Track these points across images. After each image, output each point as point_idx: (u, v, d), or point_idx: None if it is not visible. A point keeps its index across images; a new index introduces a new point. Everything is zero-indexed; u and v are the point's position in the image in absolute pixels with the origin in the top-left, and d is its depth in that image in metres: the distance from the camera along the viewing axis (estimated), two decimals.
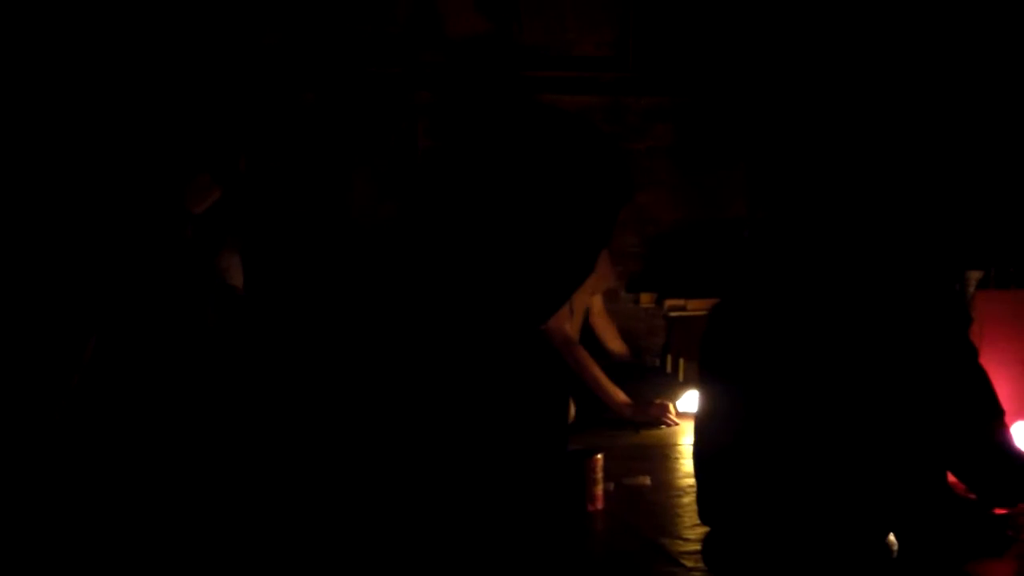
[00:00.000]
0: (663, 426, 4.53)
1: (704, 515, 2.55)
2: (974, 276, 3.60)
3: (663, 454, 4.16)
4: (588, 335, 5.02)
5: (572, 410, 4.56)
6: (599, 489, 3.32)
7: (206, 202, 3.79)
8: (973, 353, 2.42)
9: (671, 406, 4.60)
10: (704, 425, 2.51)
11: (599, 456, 3.34)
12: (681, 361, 5.00)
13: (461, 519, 1.38)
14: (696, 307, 5.40)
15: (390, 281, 1.45)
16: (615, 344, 5.06)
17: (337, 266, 1.40)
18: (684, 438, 4.27)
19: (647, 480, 3.64)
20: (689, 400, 4.69)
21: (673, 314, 5.62)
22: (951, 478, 2.59)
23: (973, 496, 2.65)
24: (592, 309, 5.02)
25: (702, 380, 2.58)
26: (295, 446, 1.40)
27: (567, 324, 4.58)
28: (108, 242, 3.24)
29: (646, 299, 5.86)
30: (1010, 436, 2.50)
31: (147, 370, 2.52)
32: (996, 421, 2.42)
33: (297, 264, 5.19)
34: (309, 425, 1.40)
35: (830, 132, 5.80)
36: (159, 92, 5.05)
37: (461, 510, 1.38)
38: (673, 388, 4.80)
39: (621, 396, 4.62)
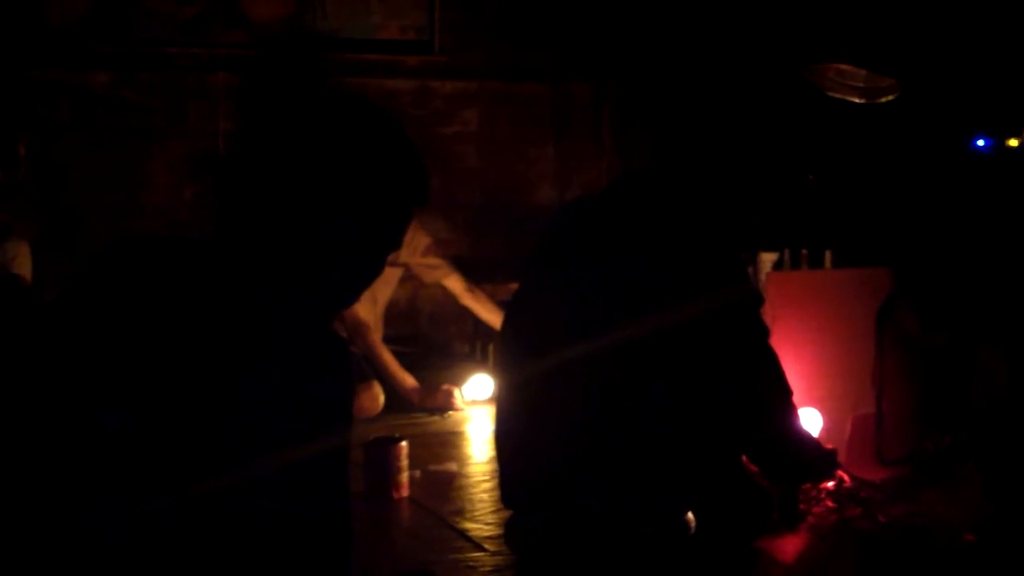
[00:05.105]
0: (449, 412, 4.54)
1: (506, 499, 2.54)
2: (767, 258, 3.69)
3: (469, 439, 4.17)
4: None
5: (381, 397, 4.53)
6: (404, 476, 3.30)
7: None
8: (765, 333, 2.47)
9: (456, 392, 4.61)
10: (503, 409, 2.50)
11: (403, 443, 3.32)
12: (490, 346, 5.00)
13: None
14: (505, 292, 5.39)
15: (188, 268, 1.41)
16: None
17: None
18: (485, 424, 4.28)
19: (454, 466, 3.64)
20: (475, 386, 4.72)
21: None
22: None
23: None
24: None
25: (500, 364, 2.58)
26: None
27: (362, 309, 4.51)
28: None
29: None
30: (797, 416, 2.56)
31: None
32: (784, 401, 2.47)
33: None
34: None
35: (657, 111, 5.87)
36: None
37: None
38: (462, 374, 4.81)
39: (410, 381, 4.61)
